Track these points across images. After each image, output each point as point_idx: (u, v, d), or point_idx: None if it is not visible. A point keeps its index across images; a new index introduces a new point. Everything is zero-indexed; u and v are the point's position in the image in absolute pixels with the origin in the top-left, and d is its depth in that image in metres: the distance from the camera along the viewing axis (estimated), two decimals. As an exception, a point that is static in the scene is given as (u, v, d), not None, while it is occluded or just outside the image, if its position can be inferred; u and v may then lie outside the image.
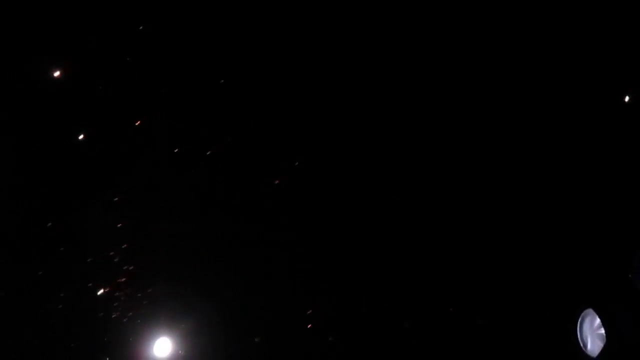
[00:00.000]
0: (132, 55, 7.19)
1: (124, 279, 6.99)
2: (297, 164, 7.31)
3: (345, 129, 7.36)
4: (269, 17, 7.27)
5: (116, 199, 7.08)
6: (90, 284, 6.98)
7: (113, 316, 6.96)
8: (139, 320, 7.02)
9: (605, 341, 6.44)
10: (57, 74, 7.09)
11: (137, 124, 7.13)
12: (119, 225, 7.07)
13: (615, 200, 7.02)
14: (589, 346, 6.63)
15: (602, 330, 6.49)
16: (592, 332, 6.62)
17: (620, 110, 7.24)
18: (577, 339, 6.66)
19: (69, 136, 7.10)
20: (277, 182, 7.27)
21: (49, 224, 7.00)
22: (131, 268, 7.02)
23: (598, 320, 6.56)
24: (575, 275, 6.97)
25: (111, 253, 7.01)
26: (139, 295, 7.02)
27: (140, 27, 7.17)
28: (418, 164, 7.35)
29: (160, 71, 7.22)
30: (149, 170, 7.17)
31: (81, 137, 7.09)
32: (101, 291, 6.98)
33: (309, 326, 7.19)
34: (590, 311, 6.64)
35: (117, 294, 6.98)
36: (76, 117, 7.12)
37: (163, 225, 7.13)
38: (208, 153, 7.24)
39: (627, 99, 6.89)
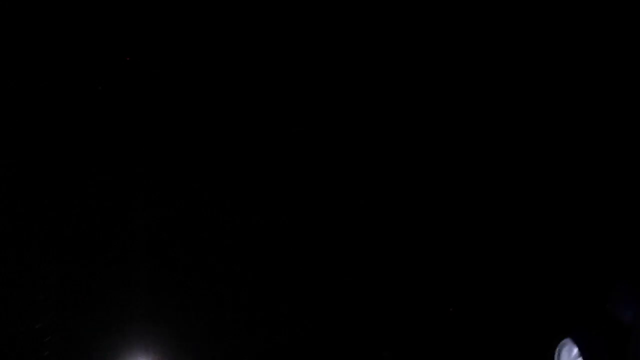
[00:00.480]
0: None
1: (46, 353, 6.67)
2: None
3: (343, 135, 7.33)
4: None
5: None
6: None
7: None
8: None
9: (583, 371, 6.40)
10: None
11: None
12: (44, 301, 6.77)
13: (593, 229, 7.08)
14: (566, 376, 6.57)
15: (580, 360, 6.44)
16: (570, 363, 6.57)
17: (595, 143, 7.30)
18: (555, 369, 6.62)
19: None
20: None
21: None
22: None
23: (576, 350, 6.52)
24: (552, 304, 6.98)
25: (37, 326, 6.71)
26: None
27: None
28: (413, 167, 7.32)
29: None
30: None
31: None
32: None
33: None
34: (567, 341, 6.62)
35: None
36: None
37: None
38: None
39: None
